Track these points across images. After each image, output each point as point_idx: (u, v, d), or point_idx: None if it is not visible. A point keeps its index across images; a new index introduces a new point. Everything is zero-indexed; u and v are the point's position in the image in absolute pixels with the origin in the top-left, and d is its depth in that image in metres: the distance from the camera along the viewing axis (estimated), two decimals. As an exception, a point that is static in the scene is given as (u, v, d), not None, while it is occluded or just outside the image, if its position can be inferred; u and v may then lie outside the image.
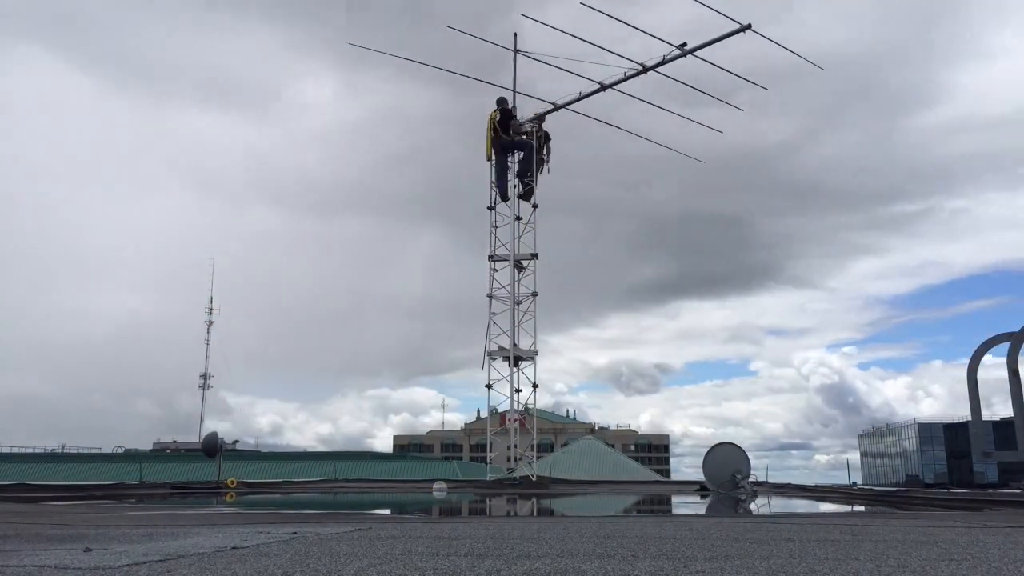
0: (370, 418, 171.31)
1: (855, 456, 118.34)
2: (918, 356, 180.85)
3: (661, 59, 14.39)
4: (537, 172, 16.04)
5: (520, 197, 16.06)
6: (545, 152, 16.28)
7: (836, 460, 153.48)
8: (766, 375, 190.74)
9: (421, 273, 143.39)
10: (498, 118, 15.82)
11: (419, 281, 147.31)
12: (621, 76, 14.82)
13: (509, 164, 16.12)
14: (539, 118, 16.10)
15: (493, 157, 15.98)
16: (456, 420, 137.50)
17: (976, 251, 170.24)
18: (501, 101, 15.99)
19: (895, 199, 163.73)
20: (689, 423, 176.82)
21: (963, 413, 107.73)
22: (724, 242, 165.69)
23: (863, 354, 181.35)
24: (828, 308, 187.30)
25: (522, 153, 16.14)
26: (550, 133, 16.37)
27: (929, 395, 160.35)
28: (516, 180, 16.12)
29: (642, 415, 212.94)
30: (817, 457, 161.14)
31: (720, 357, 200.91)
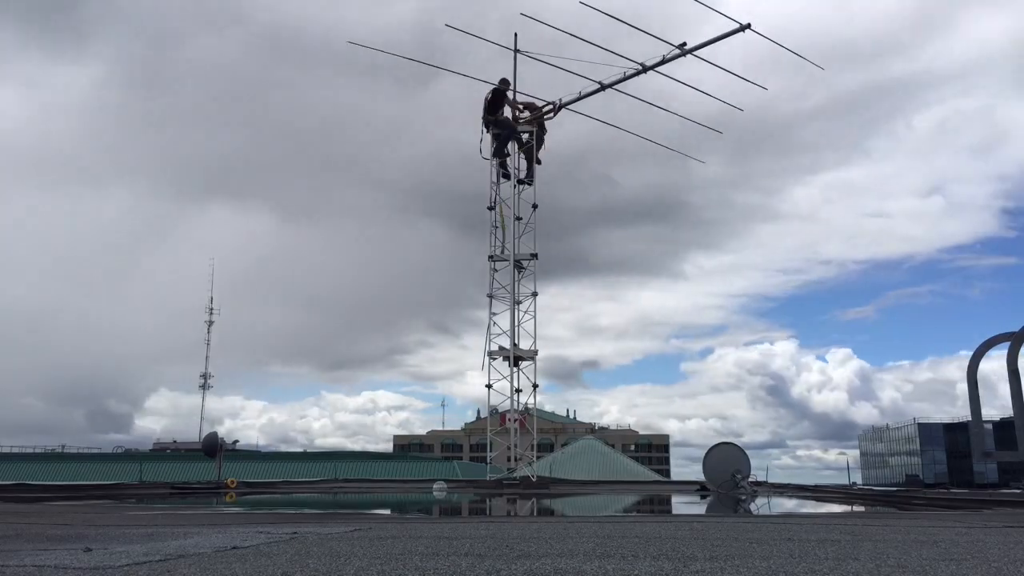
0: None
1: (848, 455, 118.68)
2: (845, 355, 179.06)
3: (661, 59, 14.40)
4: (529, 161, 15.83)
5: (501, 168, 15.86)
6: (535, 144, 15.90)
7: (810, 456, 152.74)
8: (698, 373, 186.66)
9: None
10: (489, 98, 15.59)
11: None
12: (621, 76, 14.82)
13: (507, 151, 15.91)
14: (535, 115, 15.88)
15: (487, 134, 15.75)
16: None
17: (847, 247, 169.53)
18: (503, 82, 15.71)
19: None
20: (653, 422, 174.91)
21: (912, 414, 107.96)
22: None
23: (792, 354, 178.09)
24: (720, 304, 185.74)
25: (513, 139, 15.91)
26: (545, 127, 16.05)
27: (887, 388, 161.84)
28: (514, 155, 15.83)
29: (604, 415, 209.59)
30: (797, 455, 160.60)
31: (644, 353, 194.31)
